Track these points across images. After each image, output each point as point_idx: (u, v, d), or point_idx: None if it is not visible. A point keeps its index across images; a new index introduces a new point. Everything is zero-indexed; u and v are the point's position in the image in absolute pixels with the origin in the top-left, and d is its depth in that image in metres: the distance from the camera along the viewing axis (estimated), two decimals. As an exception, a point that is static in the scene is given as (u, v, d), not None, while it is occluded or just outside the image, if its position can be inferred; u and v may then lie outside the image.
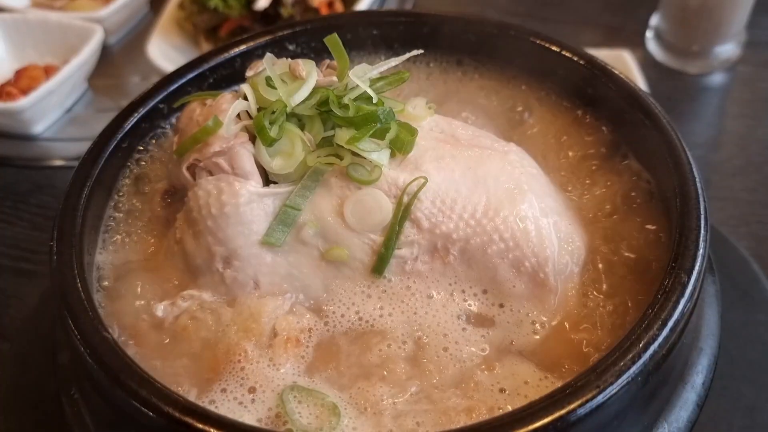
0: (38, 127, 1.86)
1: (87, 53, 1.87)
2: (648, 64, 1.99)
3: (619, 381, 0.85)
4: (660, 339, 0.88)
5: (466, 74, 1.38)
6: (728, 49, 1.95)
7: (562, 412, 0.84)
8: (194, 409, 0.86)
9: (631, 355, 0.87)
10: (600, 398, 0.84)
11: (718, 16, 1.89)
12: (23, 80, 1.86)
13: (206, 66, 1.28)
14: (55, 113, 1.88)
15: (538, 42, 1.29)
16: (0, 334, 1.47)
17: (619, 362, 0.86)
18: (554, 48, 1.28)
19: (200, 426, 0.84)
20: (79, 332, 0.94)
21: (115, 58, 2.13)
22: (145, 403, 0.87)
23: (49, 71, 1.89)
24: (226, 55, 1.30)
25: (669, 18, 1.98)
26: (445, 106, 1.32)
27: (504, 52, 1.34)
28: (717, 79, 1.98)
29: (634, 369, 0.86)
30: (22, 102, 1.76)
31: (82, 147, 1.17)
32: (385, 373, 1.02)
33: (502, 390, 1.00)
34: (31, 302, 1.50)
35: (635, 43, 2.06)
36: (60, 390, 1.08)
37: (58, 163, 1.82)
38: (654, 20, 2.04)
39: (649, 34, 2.04)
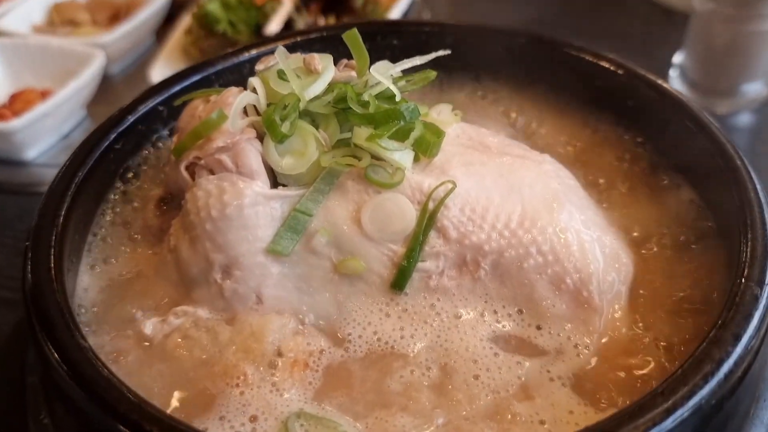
0: (31, 152, 1.75)
1: (86, 77, 1.78)
2: (672, 103, 1.91)
3: (690, 403, 0.72)
4: (735, 356, 0.75)
5: (490, 88, 1.29)
6: (756, 89, 1.87)
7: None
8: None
9: (702, 374, 0.74)
10: (669, 422, 0.71)
11: (745, 53, 1.81)
12: (18, 103, 1.76)
13: (212, 70, 1.19)
14: (50, 138, 1.78)
15: (581, 56, 1.20)
16: (-29, 364, 1.31)
17: (689, 381, 0.73)
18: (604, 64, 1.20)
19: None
20: (53, 344, 0.81)
21: (117, 86, 2.04)
22: (132, 425, 0.73)
23: (45, 95, 1.80)
24: (235, 60, 1.21)
25: (694, 56, 1.90)
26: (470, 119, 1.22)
27: (534, 65, 1.25)
28: (745, 119, 1.89)
29: (707, 390, 0.73)
30: (14, 123, 1.66)
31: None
32: (409, 402, 0.88)
33: (542, 422, 0.86)
34: (8, 331, 1.35)
35: (659, 82, 1.98)
36: (28, 415, 0.93)
37: (50, 189, 1.70)
38: (678, 58, 1.96)
39: (673, 73, 1.97)
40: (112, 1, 2.17)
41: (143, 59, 2.06)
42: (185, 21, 2.02)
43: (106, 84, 1.97)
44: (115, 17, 2.14)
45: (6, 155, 1.73)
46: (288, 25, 1.85)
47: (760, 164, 1.79)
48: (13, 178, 1.73)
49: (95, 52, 1.86)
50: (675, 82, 1.95)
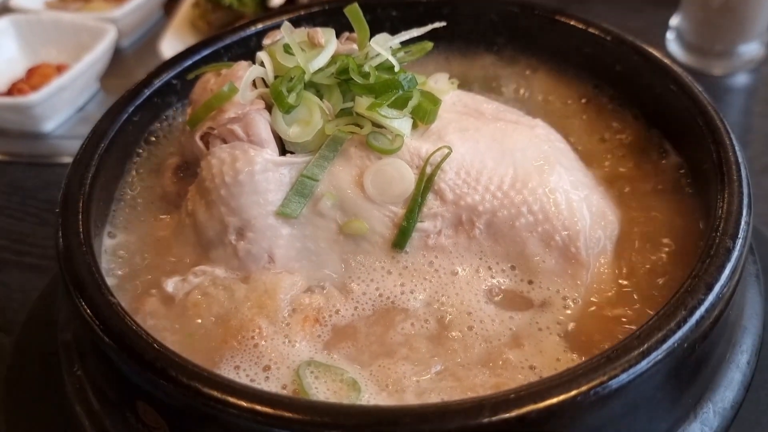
0: (49, 125, 1.82)
1: (100, 51, 1.85)
2: (670, 65, 1.95)
3: (664, 347, 0.79)
4: (707, 303, 0.82)
5: (491, 57, 1.34)
6: (752, 49, 1.91)
7: (598, 381, 0.76)
8: (212, 379, 0.80)
9: (676, 320, 0.81)
10: (644, 364, 0.78)
11: (740, 14, 1.85)
12: (35, 78, 1.84)
13: (221, 44, 1.25)
14: (67, 111, 1.85)
15: (571, 23, 1.26)
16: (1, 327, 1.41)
17: (664, 327, 0.80)
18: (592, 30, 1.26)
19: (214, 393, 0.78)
20: (85, 301, 0.88)
21: (128, 60, 2.10)
22: (159, 372, 0.80)
23: (61, 70, 1.87)
24: (242, 34, 1.27)
25: (690, 18, 1.94)
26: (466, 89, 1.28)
27: (527, 34, 1.31)
28: (741, 79, 1.93)
29: (679, 334, 0.80)
30: (32, 97, 1.73)
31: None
32: (409, 351, 0.96)
33: (532, 367, 0.93)
34: (35, 296, 1.44)
35: (656, 44, 2.00)
36: (63, 368, 1.02)
37: (69, 160, 1.77)
38: (674, 21, 2.00)
39: (670, 36, 2.01)
40: (121, -24, 2.22)
41: (152, 33, 2.12)
42: (192, -6, 2.07)
43: (117, 58, 2.05)
44: (124, -8, 2.20)
45: (25, 128, 1.81)
46: (293, -3, 1.90)
47: (756, 124, 1.85)
48: (33, 150, 1.81)
49: (107, 26, 1.93)
50: (672, 45, 2.00)
